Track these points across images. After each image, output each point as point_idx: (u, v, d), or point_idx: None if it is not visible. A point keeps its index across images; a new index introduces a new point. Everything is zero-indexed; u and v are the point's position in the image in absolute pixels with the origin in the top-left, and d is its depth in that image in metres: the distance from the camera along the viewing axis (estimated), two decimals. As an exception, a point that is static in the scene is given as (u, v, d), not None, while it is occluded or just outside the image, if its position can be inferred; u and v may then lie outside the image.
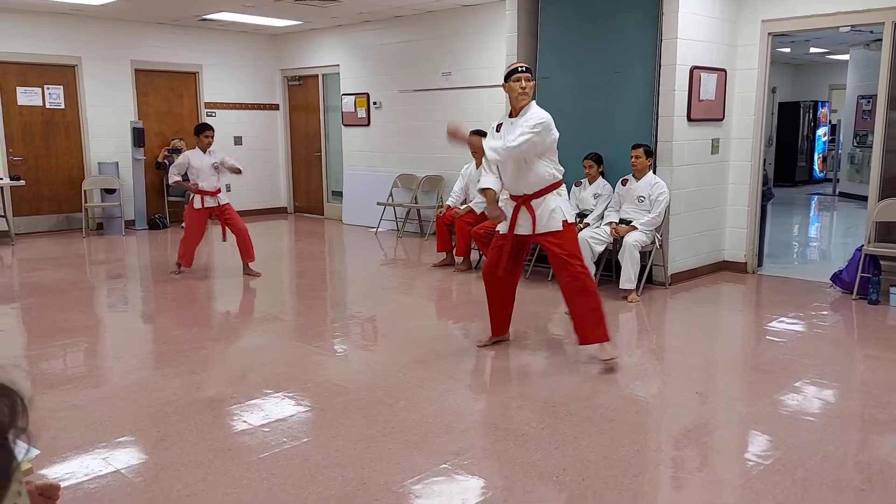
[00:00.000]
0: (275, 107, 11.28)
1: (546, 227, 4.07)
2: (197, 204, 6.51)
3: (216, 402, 3.61)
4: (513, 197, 4.17)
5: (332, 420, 3.41)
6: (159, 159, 9.94)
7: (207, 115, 10.50)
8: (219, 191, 6.59)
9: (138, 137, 9.49)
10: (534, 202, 4.08)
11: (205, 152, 6.50)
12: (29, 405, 0.59)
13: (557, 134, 4.09)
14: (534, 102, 4.14)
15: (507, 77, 4.09)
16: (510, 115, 4.13)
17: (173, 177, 6.56)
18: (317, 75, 10.76)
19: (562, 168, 4.19)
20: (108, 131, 9.56)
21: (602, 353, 4.12)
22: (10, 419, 0.57)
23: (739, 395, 3.84)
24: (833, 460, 3.01)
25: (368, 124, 9.89)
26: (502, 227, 4.22)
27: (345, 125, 10.24)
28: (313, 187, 11.23)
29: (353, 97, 9.99)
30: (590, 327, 4.07)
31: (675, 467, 3.03)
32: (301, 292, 6.47)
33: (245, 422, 3.39)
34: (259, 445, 3.10)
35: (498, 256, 4.23)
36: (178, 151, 9.95)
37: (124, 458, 3.00)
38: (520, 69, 4.07)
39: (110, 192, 9.42)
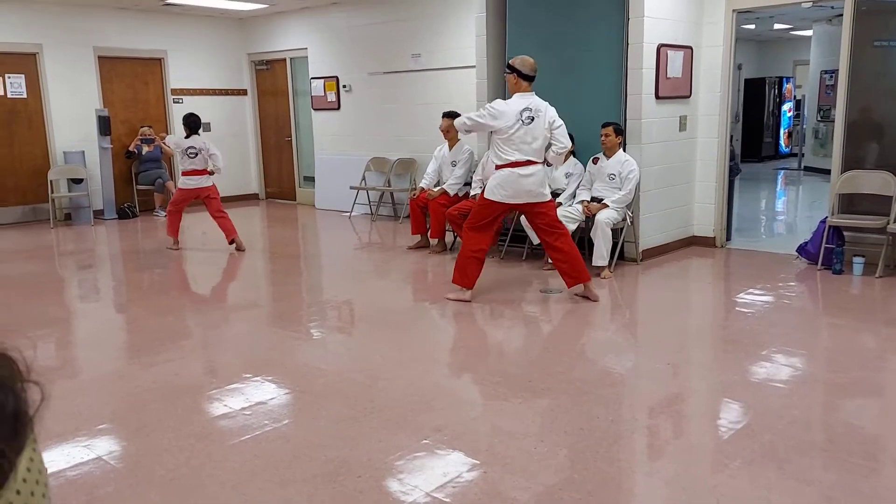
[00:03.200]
0: (243, 92, 11.16)
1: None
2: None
3: (195, 389, 3.62)
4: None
5: (312, 402, 3.45)
6: (130, 148, 9.80)
7: (174, 102, 10.36)
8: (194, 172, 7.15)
9: (104, 125, 9.34)
10: None
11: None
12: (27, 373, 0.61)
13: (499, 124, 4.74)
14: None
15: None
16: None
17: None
18: (284, 59, 10.65)
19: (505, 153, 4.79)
20: (72, 120, 9.39)
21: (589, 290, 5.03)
22: (19, 372, 0.59)
23: (710, 365, 3.95)
24: (798, 423, 3.13)
25: (339, 108, 9.84)
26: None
27: (314, 109, 10.17)
28: (285, 173, 11.15)
29: (323, 81, 9.92)
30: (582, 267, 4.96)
31: (650, 435, 3.12)
32: (276, 278, 6.46)
33: (226, 406, 3.41)
34: (240, 429, 3.13)
35: None
36: (151, 141, 9.83)
37: (105, 445, 3.01)
38: None
39: (77, 181, 9.27)
